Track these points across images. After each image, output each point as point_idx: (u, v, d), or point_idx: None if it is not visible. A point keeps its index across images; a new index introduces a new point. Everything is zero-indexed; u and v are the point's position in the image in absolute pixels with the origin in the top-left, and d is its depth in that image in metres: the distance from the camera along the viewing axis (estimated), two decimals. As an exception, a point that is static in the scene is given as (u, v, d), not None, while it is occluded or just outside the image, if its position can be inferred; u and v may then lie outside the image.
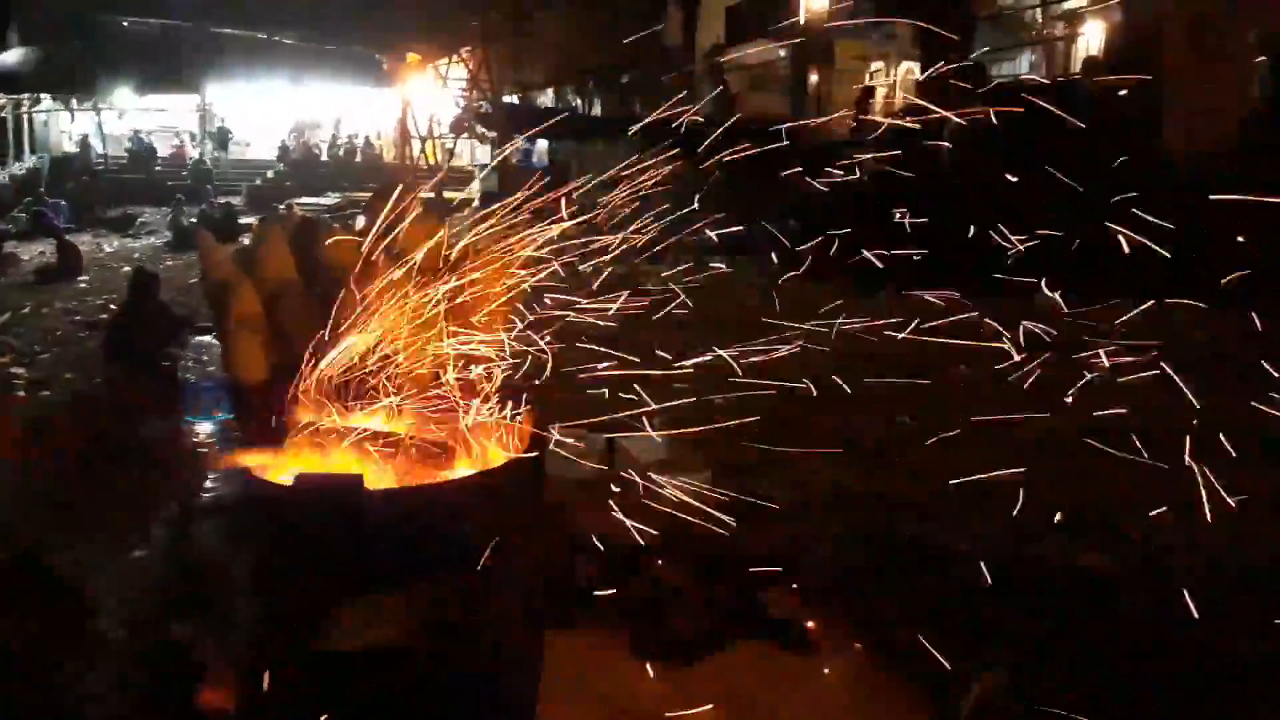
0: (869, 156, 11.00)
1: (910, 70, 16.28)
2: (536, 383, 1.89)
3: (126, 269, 13.68)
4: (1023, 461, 4.51)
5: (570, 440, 2.95)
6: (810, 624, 2.60)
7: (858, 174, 10.96)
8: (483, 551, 1.48)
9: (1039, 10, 16.61)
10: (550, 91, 26.26)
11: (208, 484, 2.23)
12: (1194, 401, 5.29)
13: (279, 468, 1.44)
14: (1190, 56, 9.52)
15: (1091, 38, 13.99)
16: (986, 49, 15.09)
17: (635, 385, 2.75)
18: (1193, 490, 3.97)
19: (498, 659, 1.60)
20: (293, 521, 1.34)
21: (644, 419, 2.65)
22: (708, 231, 3.57)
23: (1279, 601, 3.01)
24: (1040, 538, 3.55)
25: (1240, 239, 4.86)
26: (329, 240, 1.88)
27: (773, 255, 11.31)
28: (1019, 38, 16.88)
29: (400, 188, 2.14)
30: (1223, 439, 4.56)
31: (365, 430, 1.48)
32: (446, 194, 22.24)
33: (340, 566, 1.38)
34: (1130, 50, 10.77)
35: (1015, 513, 3.80)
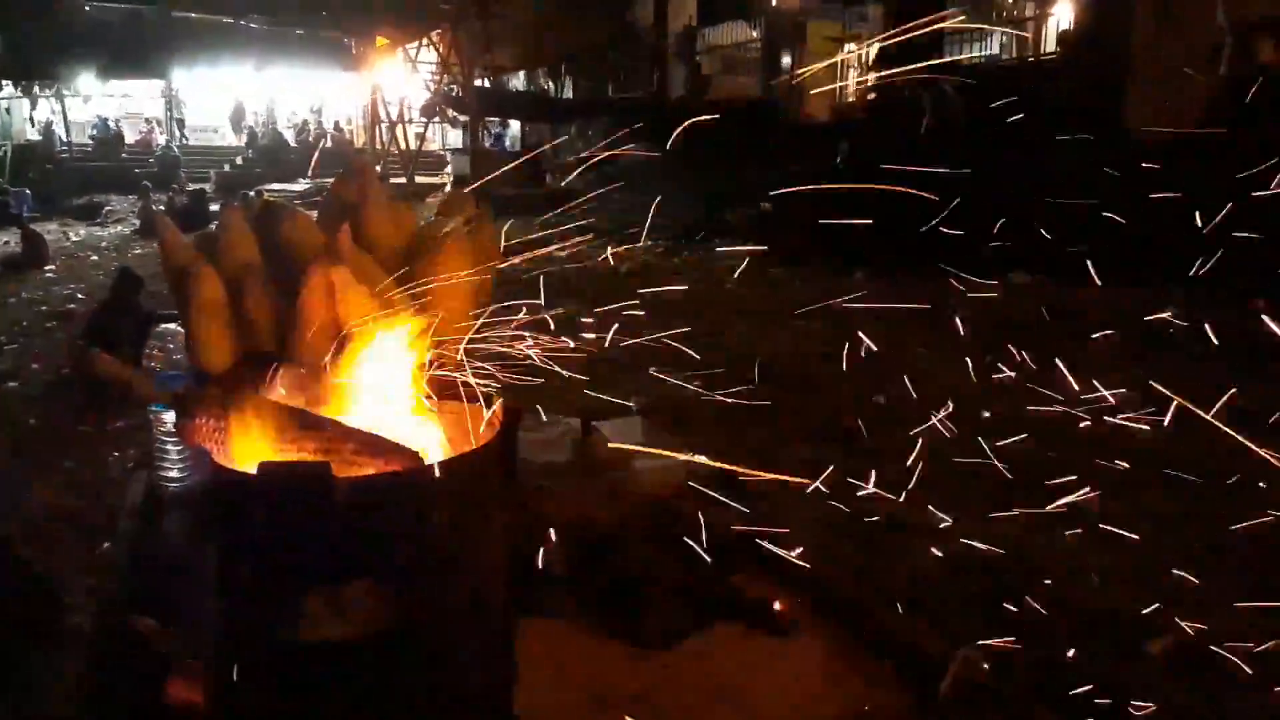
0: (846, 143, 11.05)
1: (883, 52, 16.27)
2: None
3: (94, 258, 13.49)
4: (995, 443, 4.55)
5: (545, 423, 2.94)
6: (786, 606, 2.59)
7: (837, 159, 11.00)
8: (455, 538, 1.45)
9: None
10: (522, 74, 26.09)
11: (173, 470, 2.19)
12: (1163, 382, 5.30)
13: (245, 453, 1.41)
14: (1158, 35, 9.59)
15: (1062, 17, 14.04)
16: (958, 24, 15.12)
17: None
18: (1156, 464, 4.02)
19: (472, 647, 1.58)
20: (258, 510, 1.31)
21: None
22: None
23: (1254, 582, 3.05)
24: (1009, 514, 3.58)
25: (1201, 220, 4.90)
26: (291, 222, 1.83)
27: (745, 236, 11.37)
28: (990, 18, 16.92)
29: (367, 171, 2.10)
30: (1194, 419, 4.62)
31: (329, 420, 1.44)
32: (418, 179, 22.10)
33: (308, 556, 1.35)
34: (1099, 29, 10.84)
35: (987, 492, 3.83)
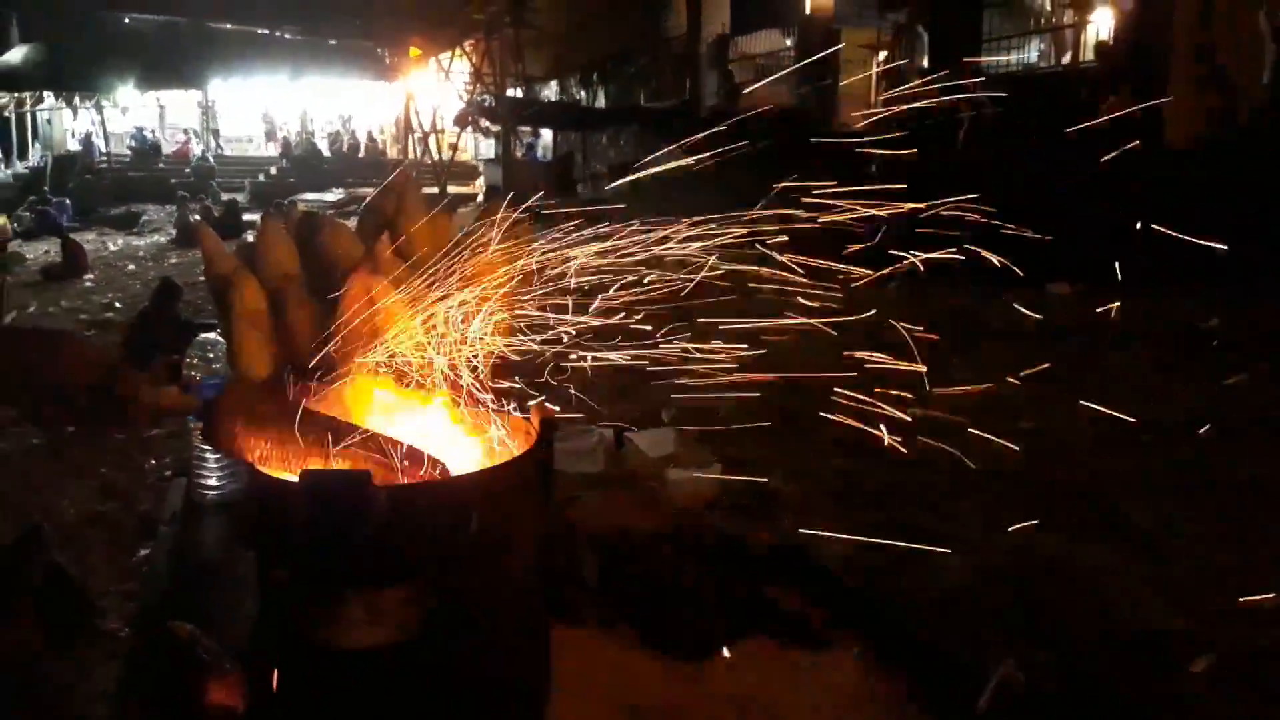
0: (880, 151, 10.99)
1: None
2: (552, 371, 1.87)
3: (131, 267, 13.71)
4: (1028, 452, 4.50)
5: (579, 433, 2.94)
6: (820, 619, 2.57)
7: (871, 167, 10.94)
8: (491, 547, 1.46)
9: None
10: (554, 84, 26.20)
11: (212, 479, 2.21)
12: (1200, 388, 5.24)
13: (284, 460, 1.42)
14: (1199, 44, 9.46)
15: (1101, 25, 13.89)
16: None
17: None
18: (1198, 475, 3.96)
19: (506, 655, 1.58)
20: (299, 517, 1.32)
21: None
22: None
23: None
24: (1045, 526, 3.54)
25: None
26: (330, 232, 1.85)
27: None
28: (1027, 26, 16.79)
29: (406, 182, 2.11)
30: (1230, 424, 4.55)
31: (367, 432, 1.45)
32: (451, 189, 22.25)
33: (346, 562, 1.36)
34: (1138, 37, 10.72)
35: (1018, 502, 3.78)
